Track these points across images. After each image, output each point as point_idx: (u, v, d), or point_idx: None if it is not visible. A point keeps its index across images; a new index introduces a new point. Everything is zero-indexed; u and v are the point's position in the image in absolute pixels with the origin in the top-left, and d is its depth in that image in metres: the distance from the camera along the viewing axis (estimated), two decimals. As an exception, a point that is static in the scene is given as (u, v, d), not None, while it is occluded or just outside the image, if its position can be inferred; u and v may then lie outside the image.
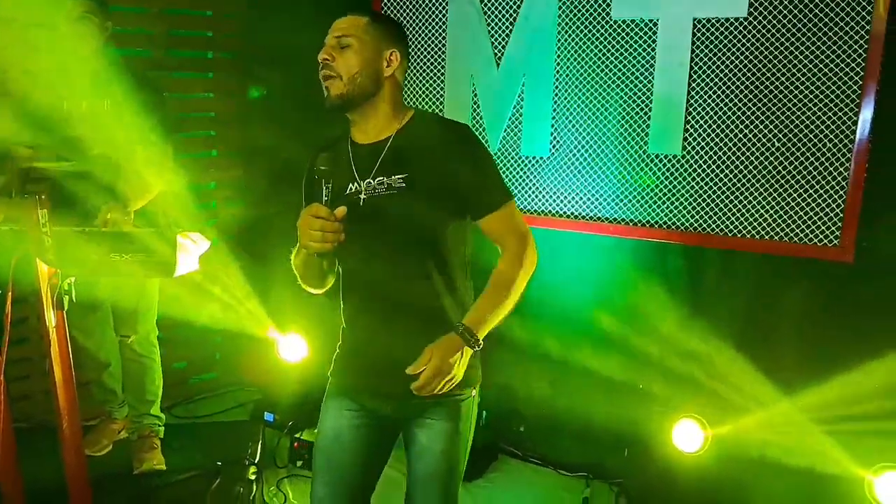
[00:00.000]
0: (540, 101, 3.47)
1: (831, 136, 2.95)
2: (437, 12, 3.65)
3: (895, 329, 2.85)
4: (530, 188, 3.57)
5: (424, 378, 1.80)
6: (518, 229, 2.00)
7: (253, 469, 3.10)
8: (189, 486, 3.04)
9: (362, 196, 1.91)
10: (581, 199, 3.46)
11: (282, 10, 4.09)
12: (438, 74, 3.67)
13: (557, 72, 3.43)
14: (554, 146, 3.49)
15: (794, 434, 2.99)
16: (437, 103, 3.68)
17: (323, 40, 1.94)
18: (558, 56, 3.41)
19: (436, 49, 3.66)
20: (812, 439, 2.95)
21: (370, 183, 1.91)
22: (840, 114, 2.92)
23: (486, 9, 3.53)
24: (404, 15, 3.74)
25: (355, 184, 1.93)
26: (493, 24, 3.52)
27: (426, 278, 1.93)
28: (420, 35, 3.70)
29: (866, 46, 2.84)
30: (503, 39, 3.51)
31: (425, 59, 3.71)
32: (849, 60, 2.88)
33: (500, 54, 3.52)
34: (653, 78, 3.23)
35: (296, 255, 2.00)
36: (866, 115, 2.88)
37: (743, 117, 3.10)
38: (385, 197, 1.89)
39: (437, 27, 3.65)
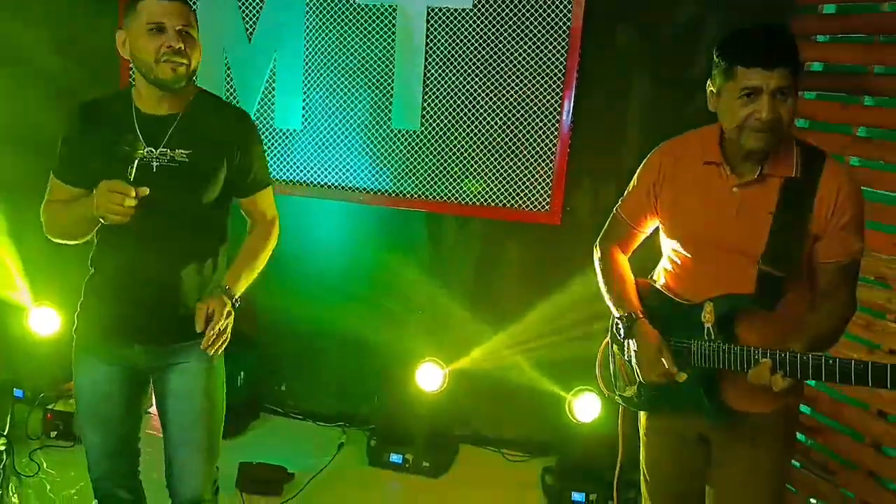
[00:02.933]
0: (291, 76, 3.68)
1: (542, 117, 3.47)
2: (188, -15, 3.72)
3: (587, 273, 3.46)
4: (284, 159, 3.77)
5: (216, 322, 2.05)
6: (271, 211, 2.31)
7: (2, 440, 3.05)
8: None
9: (154, 164, 2.03)
10: (333, 170, 3.73)
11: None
12: (191, 47, 3.74)
13: (307, 49, 3.65)
14: (306, 120, 3.72)
15: (513, 366, 3.58)
16: (191, 75, 3.74)
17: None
18: (307, 34, 3.64)
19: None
20: (527, 368, 3.56)
21: (152, 152, 2.03)
22: (549, 98, 3.44)
23: (237, -15, 3.66)
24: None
25: (140, 150, 2.00)
26: (243, 0, 3.66)
27: (190, 240, 2.13)
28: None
29: (568, 40, 3.37)
30: (254, 15, 3.66)
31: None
32: (555, 51, 3.40)
33: (251, 29, 3.67)
34: (394, 59, 3.57)
35: (65, 212, 2.06)
36: (569, 99, 3.42)
37: (471, 98, 3.53)
38: (168, 168, 2.04)
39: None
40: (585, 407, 3.30)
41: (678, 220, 2.03)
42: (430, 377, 3.53)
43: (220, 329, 2.07)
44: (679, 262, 2.05)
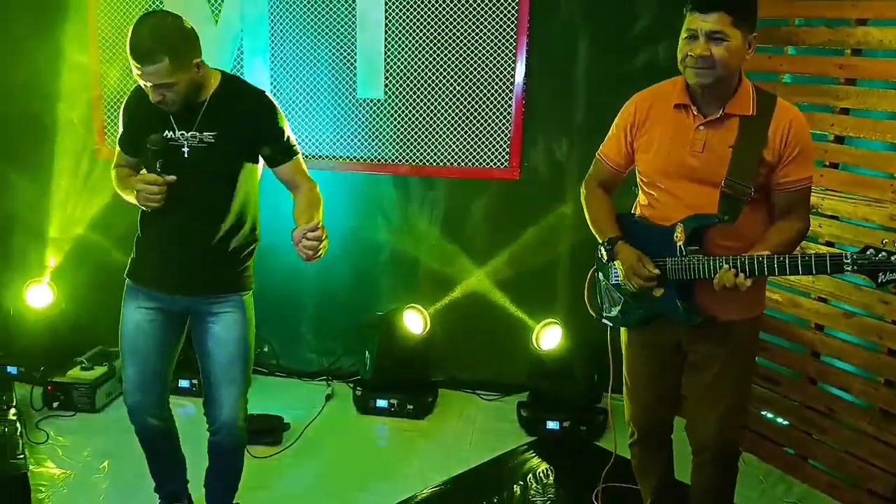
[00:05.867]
0: (258, 54, 3.87)
1: (497, 81, 3.75)
2: (151, -30, 3.85)
3: (547, 221, 3.88)
4: (256, 133, 3.96)
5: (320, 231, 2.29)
6: (306, 176, 2.54)
7: (13, 410, 3.22)
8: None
9: (185, 149, 2.36)
10: (303, 140, 3.94)
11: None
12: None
13: (272, 28, 3.84)
14: (274, 93, 3.91)
15: (488, 303, 3.97)
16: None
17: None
18: (272, 13, 3.82)
19: (154, 9, 3.86)
20: (501, 304, 3.96)
21: (184, 134, 2.36)
22: (502, 62, 3.72)
23: (200, -32, 3.81)
24: (117, -28, 3.88)
25: (173, 133, 2.36)
26: (208, -17, 3.82)
27: (222, 207, 2.42)
28: (136, -9, 3.89)
29: (518, 6, 3.64)
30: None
31: (143, 15, 3.88)
32: (507, 18, 3.66)
33: (217, 12, 3.84)
34: (356, 32, 3.78)
35: (123, 183, 2.46)
36: (521, 62, 3.70)
37: (431, 66, 3.78)
38: (198, 149, 2.36)
39: (152, -16, 3.86)
40: (551, 338, 3.64)
41: (652, 158, 2.32)
42: (414, 321, 3.85)
43: (316, 238, 2.29)
44: (654, 194, 2.35)
